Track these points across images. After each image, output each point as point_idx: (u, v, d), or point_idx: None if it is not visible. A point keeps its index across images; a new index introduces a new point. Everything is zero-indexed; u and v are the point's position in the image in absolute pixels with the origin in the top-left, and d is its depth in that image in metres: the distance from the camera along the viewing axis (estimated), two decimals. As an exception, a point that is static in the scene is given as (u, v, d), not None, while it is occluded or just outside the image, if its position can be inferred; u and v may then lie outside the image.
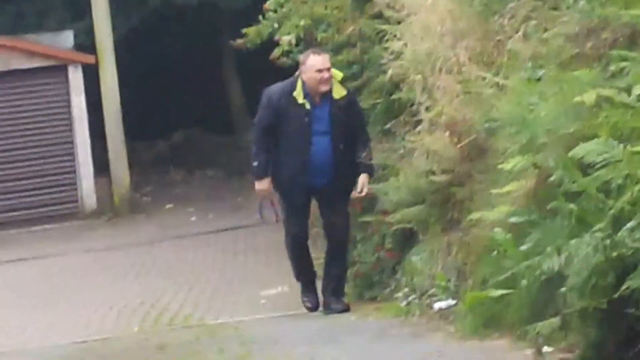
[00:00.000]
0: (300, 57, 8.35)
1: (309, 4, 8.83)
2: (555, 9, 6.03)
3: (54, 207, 15.42)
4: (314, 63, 8.08)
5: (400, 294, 7.78)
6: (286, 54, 9.19)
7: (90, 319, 8.69)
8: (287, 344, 6.90)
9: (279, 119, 8.24)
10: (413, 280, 7.69)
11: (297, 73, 8.25)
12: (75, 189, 15.56)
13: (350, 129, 8.32)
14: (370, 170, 8.22)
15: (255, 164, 8.29)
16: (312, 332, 7.28)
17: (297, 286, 8.56)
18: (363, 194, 8.18)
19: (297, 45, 9.07)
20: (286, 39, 9.06)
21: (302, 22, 8.95)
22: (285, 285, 9.11)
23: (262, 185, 8.27)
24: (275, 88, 8.32)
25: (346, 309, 8.24)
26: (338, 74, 8.30)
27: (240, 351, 6.64)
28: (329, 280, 8.47)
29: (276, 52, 9.21)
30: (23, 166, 15.35)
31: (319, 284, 8.60)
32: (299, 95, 8.12)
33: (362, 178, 8.16)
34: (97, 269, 11.15)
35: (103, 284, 10.19)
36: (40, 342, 7.90)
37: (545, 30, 6.11)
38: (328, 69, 8.07)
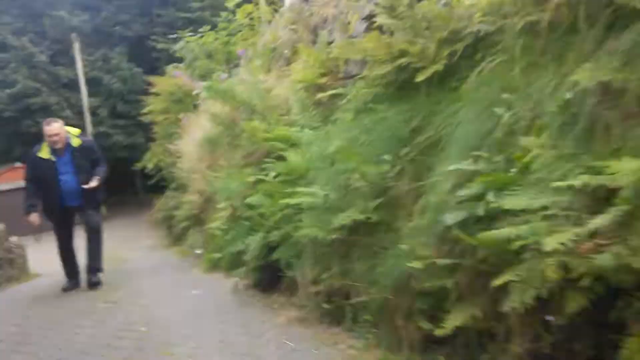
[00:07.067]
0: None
1: None
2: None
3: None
4: (44, 132, 9.56)
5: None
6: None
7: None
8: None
9: (36, 171, 9.66)
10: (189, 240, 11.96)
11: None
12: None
13: (92, 164, 9.78)
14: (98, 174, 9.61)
15: (27, 203, 9.58)
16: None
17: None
18: (91, 185, 9.51)
19: None
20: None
21: None
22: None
23: (32, 218, 9.56)
24: (33, 149, 9.80)
25: (100, 283, 9.91)
26: (75, 131, 9.84)
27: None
28: (90, 260, 9.95)
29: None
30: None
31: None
32: (44, 152, 9.59)
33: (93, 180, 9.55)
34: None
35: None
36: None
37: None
38: (57, 134, 9.53)
